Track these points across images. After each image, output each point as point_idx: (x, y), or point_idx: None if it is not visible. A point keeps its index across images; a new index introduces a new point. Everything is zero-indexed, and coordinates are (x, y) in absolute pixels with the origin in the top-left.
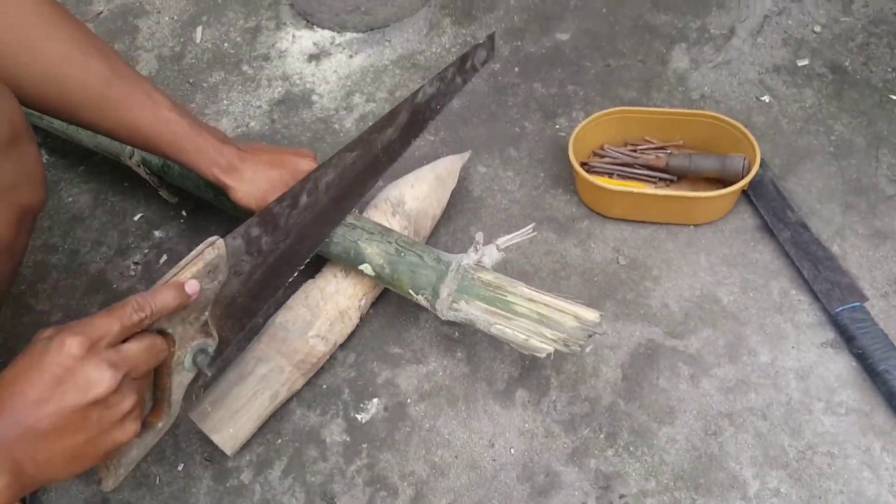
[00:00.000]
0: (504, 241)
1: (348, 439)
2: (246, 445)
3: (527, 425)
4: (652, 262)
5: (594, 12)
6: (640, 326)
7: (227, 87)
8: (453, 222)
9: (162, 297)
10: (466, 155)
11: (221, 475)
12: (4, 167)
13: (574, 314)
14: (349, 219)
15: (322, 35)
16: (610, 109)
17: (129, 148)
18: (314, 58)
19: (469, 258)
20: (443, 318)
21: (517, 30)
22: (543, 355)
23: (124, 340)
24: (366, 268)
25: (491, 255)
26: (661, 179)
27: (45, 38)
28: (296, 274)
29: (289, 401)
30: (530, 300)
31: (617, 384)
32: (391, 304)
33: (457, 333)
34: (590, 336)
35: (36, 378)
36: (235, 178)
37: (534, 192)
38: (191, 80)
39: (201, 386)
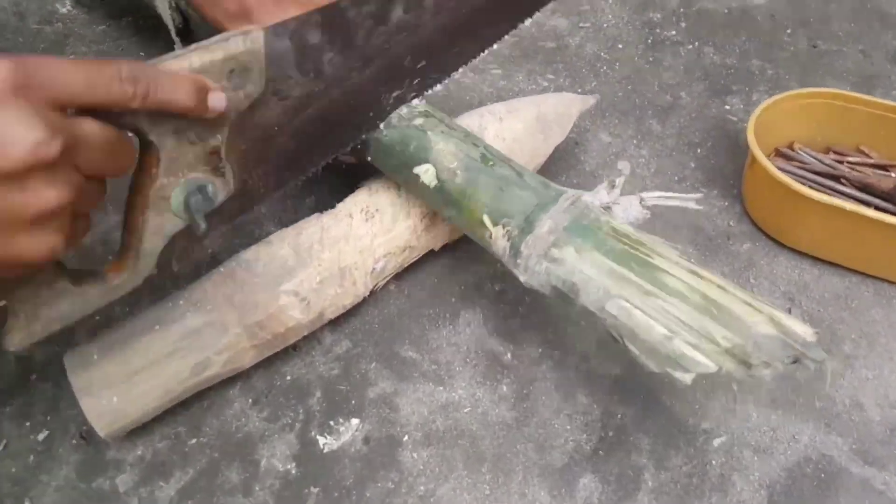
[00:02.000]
0: (654, 196)
1: (294, 472)
2: (140, 432)
3: None
4: (845, 332)
5: None
6: (812, 428)
7: None
8: None
9: (169, 86)
10: (591, 100)
11: (91, 467)
12: None
13: (770, 315)
14: (420, 107)
15: None
16: (815, 89)
17: None
18: None
19: (598, 195)
20: (522, 274)
21: None
22: (688, 380)
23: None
24: (426, 170)
25: (628, 208)
26: (877, 209)
27: None
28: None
29: (227, 382)
30: (693, 273)
31: None
32: (423, 287)
33: (509, 355)
34: (794, 362)
35: None
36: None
37: (676, 187)
38: None
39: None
